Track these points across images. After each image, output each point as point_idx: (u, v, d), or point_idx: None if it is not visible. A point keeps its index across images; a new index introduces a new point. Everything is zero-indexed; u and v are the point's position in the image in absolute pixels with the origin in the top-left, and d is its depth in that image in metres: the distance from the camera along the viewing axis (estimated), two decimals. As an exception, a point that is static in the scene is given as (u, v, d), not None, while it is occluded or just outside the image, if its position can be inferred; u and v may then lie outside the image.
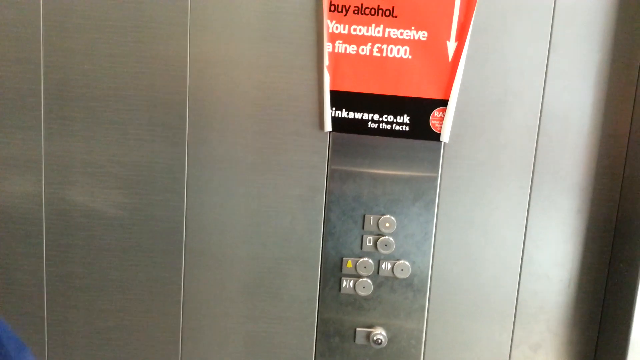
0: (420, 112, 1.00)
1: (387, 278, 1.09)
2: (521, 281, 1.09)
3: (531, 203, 1.06)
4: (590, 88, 1.02)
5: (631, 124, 1.03)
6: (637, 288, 1.00)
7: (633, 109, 1.03)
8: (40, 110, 1.05)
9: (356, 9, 0.96)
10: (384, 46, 0.97)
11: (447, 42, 0.96)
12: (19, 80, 1.04)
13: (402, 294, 1.10)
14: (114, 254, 1.10)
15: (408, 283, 1.09)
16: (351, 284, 1.09)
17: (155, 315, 1.13)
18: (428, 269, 1.09)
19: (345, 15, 0.96)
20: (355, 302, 1.11)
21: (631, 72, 1.01)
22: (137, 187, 1.08)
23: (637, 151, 1.02)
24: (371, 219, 1.06)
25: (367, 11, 0.95)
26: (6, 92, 1.05)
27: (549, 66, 1.01)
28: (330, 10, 0.96)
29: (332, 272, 1.10)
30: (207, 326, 1.13)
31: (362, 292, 1.09)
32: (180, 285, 1.12)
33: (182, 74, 1.04)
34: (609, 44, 1.01)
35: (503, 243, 1.08)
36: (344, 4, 0.96)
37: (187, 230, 1.10)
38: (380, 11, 0.95)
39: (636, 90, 1.02)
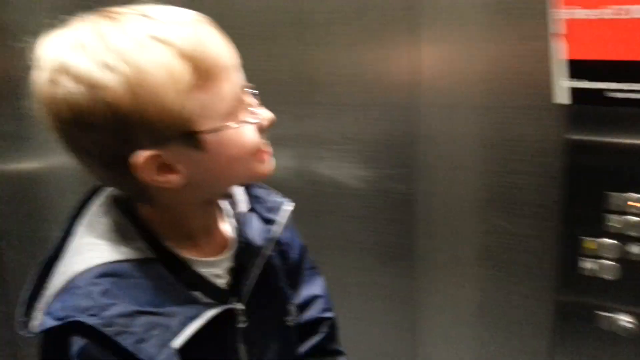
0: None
1: (636, 262, 0.99)
2: None
3: None
4: None
5: None
6: None
7: None
8: (294, 97, 1.23)
9: (598, -31, 0.86)
10: (629, 7, 0.86)
11: None
12: (280, 73, 1.23)
13: (655, 281, 0.98)
14: (355, 219, 1.25)
15: (664, 269, 0.97)
16: (592, 265, 1.02)
17: (390, 276, 1.24)
18: (690, 256, 0.95)
19: (585, -22, 0.88)
20: (597, 284, 1.03)
21: None
22: (374, 161, 1.19)
23: None
24: (615, 196, 0.97)
25: (611, -30, 0.85)
26: (275, 84, 1.22)
27: None
28: (567, -25, 0.89)
29: (570, 251, 1.04)
30: (439, 291, 1.20)
31: (605, 275, 1.01)
32: (413, 251, 1.20)
33: (415, 57, 1.09)
34: None
35: None
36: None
37: (418, 203, 1.17)
38: (627, -33, 0.84)
39: None
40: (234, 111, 0.59)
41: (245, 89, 0.62)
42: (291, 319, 0.79)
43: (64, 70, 0.53)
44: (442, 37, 1.06)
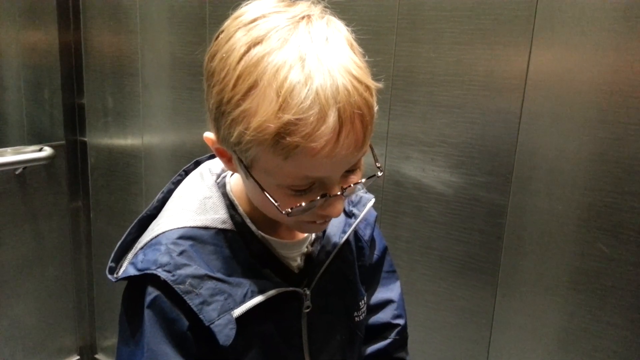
0: None
1: None
2: None
3: None
4: None
5: None
6: None
7: None
8: (389, 94, 1.20)
9: None
10: None
11: None
12: (381, 69, 1.20)
13: None
14: (437, 225, 1.21)
15: None
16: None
17: (469, 288, 1.19)
18: None
19: None
20: None
21: None
22: (465, 167, 1.14)
23: None
24: None
25: None
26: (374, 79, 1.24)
27: None
28: None
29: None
30: (522, 311, 1.13)
31: None
32: (497, 265, 1.14)
33: (521, 59, 1.03)
34: None
35: None
36: None
37: (509, 215, 1.11)
38: None
39: None
40: (282, 186, 0.57)
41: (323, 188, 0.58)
42: (359, 314, 0.78)
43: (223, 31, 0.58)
44: (557, 41, 0.99)
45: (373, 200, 0.77)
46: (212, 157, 0.74)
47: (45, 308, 1.89)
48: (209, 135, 0.62)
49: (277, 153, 0.53)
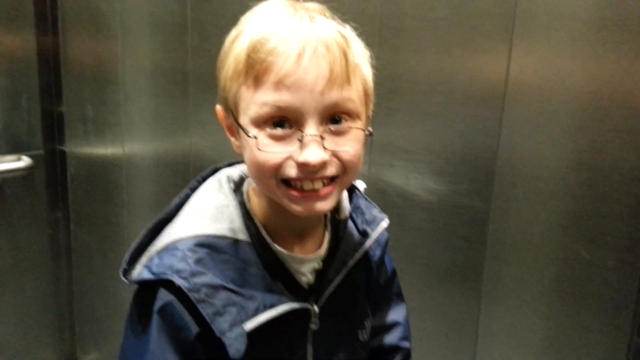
0: None
1: None
2: None
3: None
4: None
5: None
6: None
7: None
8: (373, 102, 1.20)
9: None
10: None
11: None
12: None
13: None
14: (421, 233, 1.21)
15: None
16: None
17: (453, 295, 1.19)
18: None
19: None
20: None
21: None
22: (447, 175, 1.15)
23: None
24: None
25: None
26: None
27: None
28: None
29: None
30: (506, 318, 1.13)
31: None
32: (481, 272, 1.15)
33: (501, 68, 1.04)
34: None
35: None
36: None
37: (491, 222, 1.11)
38: None
39: None
40: (260, 123, 0.59)
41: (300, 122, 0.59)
42: (364, 334, 0.78)
43: None
44: (535, 49, 1.00)
45: (386, 220, 0.78)
46: (230, 164, 0.75)
47: (25, 321, 1.85)
48: (218, 107, 0.66)
49: (248, 79, 0.57)
